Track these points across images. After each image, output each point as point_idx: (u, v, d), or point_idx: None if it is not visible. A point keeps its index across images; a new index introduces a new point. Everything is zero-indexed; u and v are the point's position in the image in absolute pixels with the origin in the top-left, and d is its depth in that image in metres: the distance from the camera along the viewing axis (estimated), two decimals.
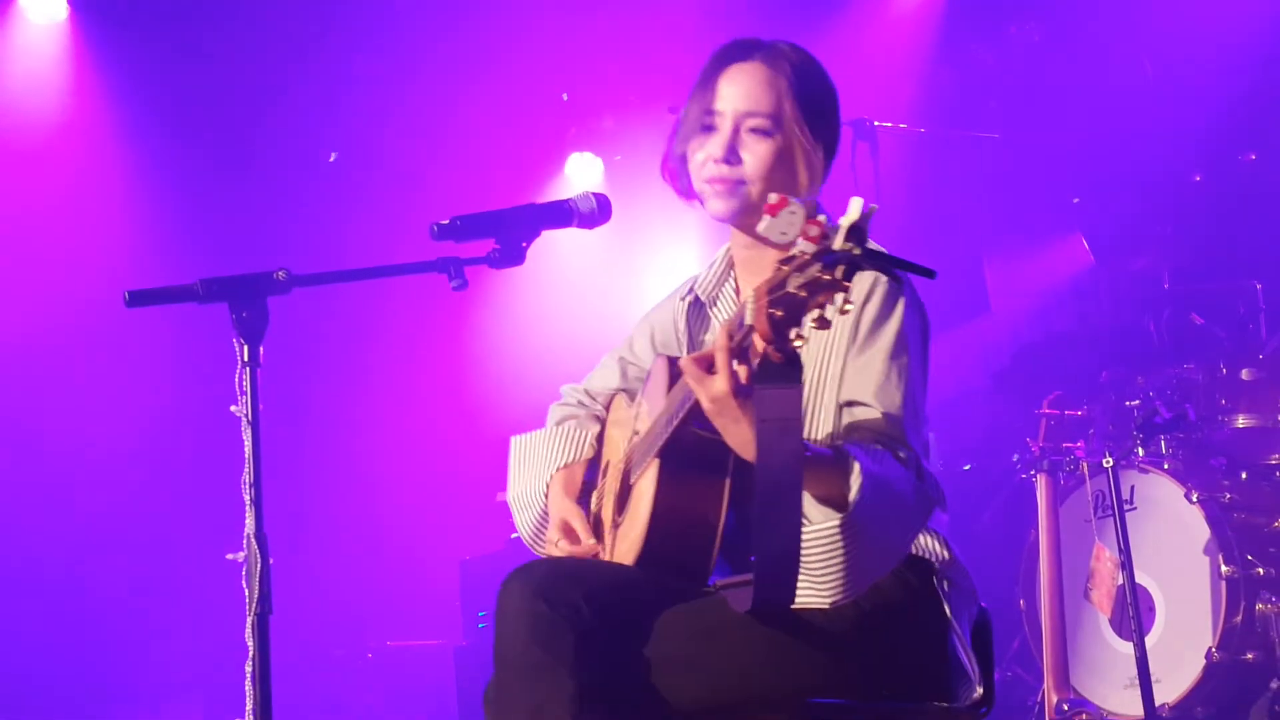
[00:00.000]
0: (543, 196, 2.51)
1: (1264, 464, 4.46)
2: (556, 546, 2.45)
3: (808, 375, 2.21)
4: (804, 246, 1.73)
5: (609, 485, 2.47)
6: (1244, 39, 5.31)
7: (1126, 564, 4.02)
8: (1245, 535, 4.23)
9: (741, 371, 1.93)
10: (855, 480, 2.00)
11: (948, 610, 2.21)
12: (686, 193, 2.38)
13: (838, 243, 1.71)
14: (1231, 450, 4.49)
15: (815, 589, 2.03)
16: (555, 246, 6.14)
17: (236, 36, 5.69)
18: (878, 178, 4.98)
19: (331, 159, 6.01)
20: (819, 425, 2.23)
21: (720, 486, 2.14)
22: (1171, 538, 4.29)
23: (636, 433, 2.41)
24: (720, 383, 1.94)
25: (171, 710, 5.64)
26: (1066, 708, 4.12)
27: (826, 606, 2.05)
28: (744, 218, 2.30)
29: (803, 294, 1.74)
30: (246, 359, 2.05)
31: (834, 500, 2.03)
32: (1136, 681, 3.98)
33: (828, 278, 1.72)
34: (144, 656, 5.57)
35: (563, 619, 2.01)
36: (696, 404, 2.03)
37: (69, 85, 5.66)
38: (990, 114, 5.78)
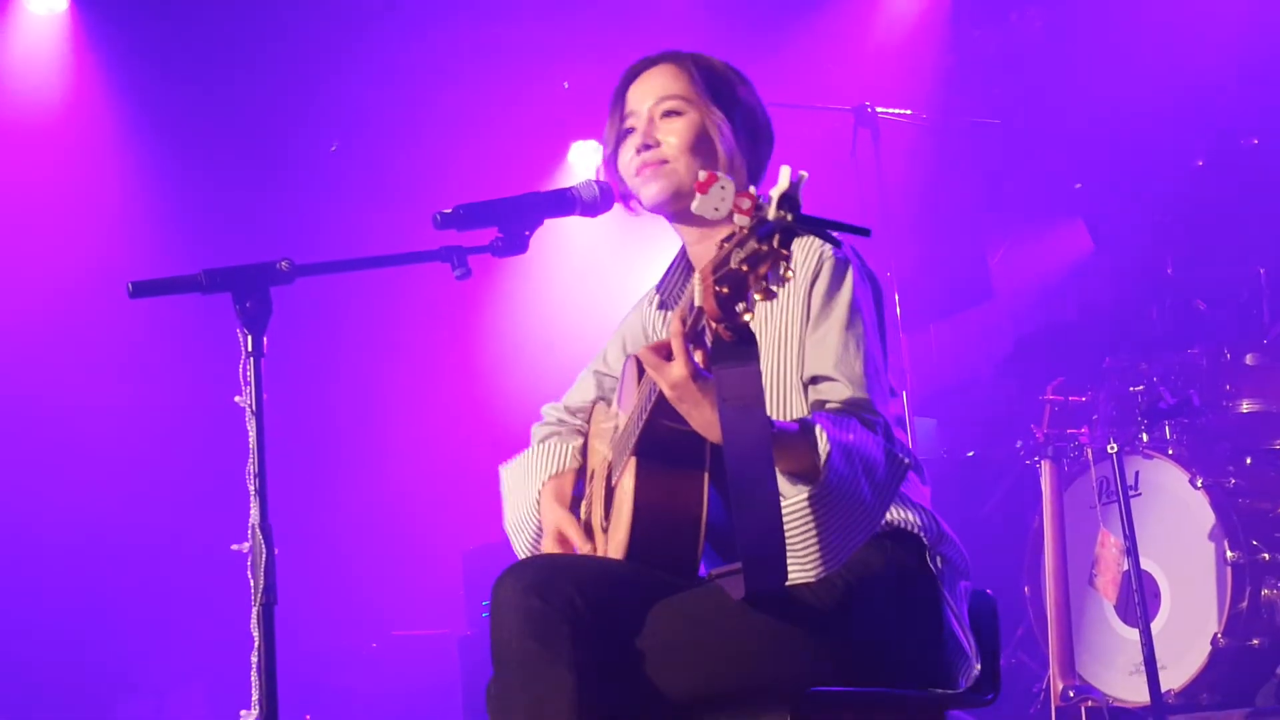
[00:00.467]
0: (546, 184, 2.51)
1: (1269, 449, 4.45)
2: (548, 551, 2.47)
3: (768, 360, 2.25)
4: (739, 220, 1.77)
5: (595, 491, 2.49)
6: (1246, 23, 5.29)
7: (1131, 550, 4.01)
8: (1250, 520, 4.22)
9: (698, 355, 1.97)
10: (823, 450, 2.03)
11: (941, 588, 2.23)
12: (625, 198, 2.45)
13: (771, 212, 1.75)
14: (1236, 435, 4.48)
15: (799, 563, 2.04)
16: (562, 234, 6.17)
17: (237, 26, 5.68)
18: (879, 164, 4.97)
19: (333, 149, 6.00)
20: (786, 407, 2.25)
21: (699, 478, 2.16)
22: (1176, 523, 4.29)
23: (615, 436, 2.43)
24: (677, 368, 1.98)
25: (177, 700, 5.66)
26: (1072, 694, 4.12)
27: (812, 580, 2.06)
28: (678, 202, 2.37)
29: (744, 268, 1.77)
30: (250, 349, 2.05)
31: (806, 473, 2.05)
32: (1142, 668, 3.98)
33: (765, 248, 1.75)
34: (149, 647, 5.58)
35: (557, 613, 2.02)
36: (661, 395, 2.07)
37: (69, 76, 5.66)
38: (992, 100, 5.77)
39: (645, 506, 2.17)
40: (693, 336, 1.98)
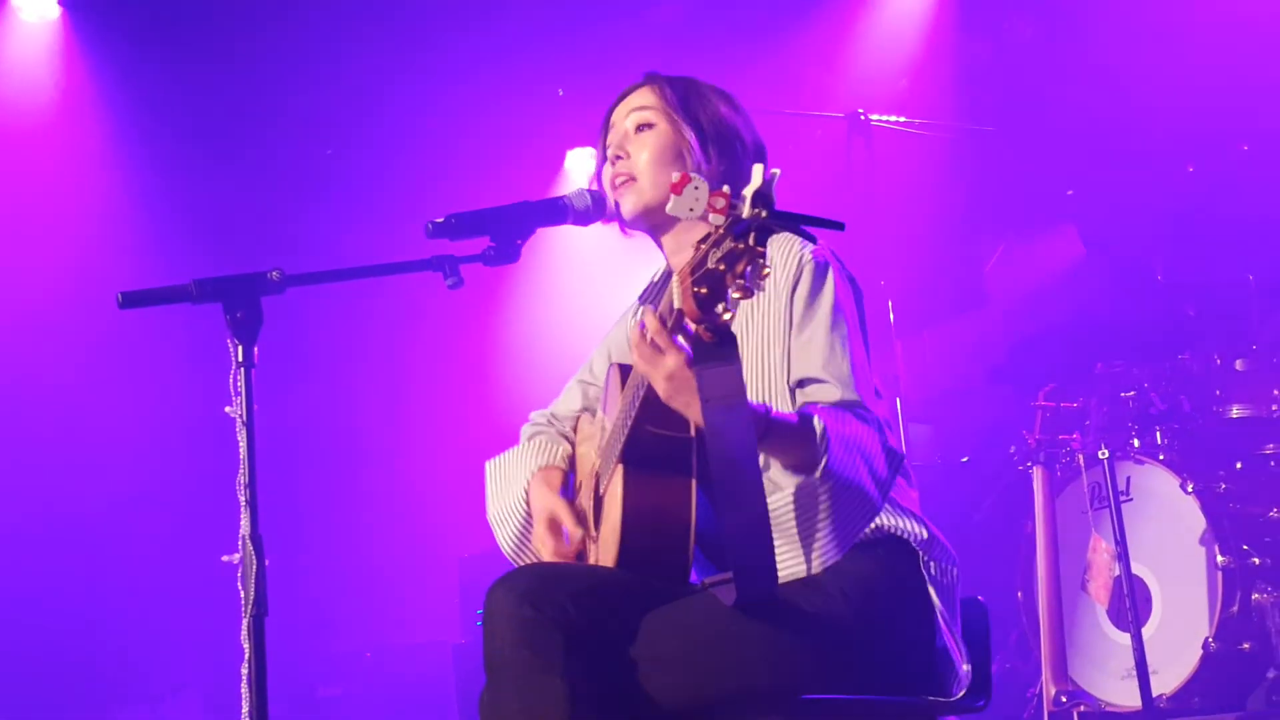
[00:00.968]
0: (544, 193, 2.52)
1: (1259, 454, 4.46)
2: (544, 544, 2.46)
3: (752, 367, 2.26)
4: (714, 219, 1.79)
5: (583, 501, 2.48)
6: (1236, 30, 5.31)
7: (1123, 555, 4.02)
8: (1241, 525, 4.23)
9: (688, 345, 1.97)
10: (821, 438, 2.05)
11: (932, 592, 2.23)
12: (616, 218, 2.48)
13: (745, 210, 1.76)
14: (1227, 440, 4.49)
15: (805, 553, 2.06)
16: (560, 242, 6.17)
17: (229, 34, 5.68)
18: (873, 171, 4.98)
19: (329, 152, 6.01)
20: None
21: (687, 484, 2.16)
22: (1168, 529, 4.30)
23: (601, 445, 2.43)
24: (669, 359, 1.98)
25: (171, 710, 5.64)
26: (1064, 699, 4.12)
27: (818, 571, 2.07)
28: (651, 217, 2.42)
29: (721, 267, 1.78)
30: (241, 359, 2.05)
31: (806, 463, 2.07)
32: (1134, 672, 3.99)
33: (742, 246, 1.76)
34: (143, 657, 5.57)
35: (550, 621, 2.02)
36: (646, 401, 2.08)
37: (61, 83, 5.65)
38: (985, 107, 5.78)
39: (634, 513, 2.17)
40: (678, 330, 1.99)
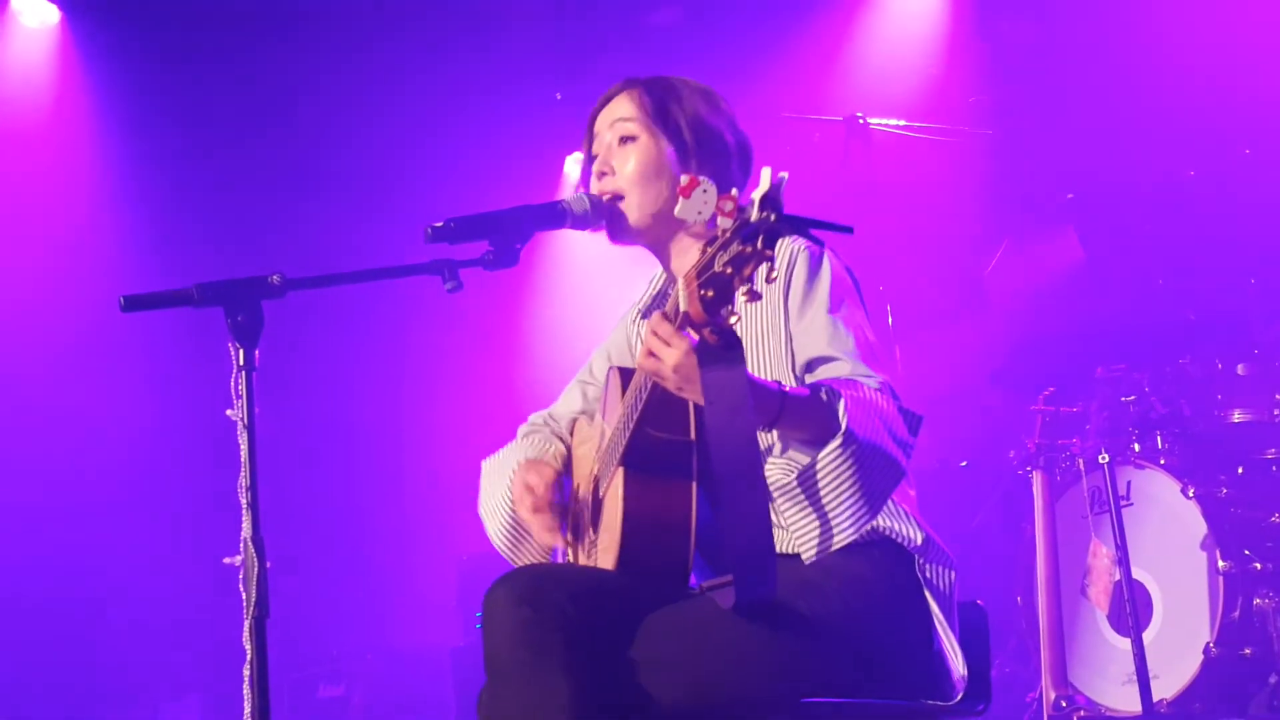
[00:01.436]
0: (543, 197, 2.52)
1: (1260, 458, 4.46)
2: (523, 502, 2.47)
3: (753, 360, 2.28)
4: (723, 223, 1.79)
5: (582, 504, 2.49)
6: (1237, 33, 5.31)
7: (1123, 560, 4.02)
8: (1242, 530, 4.23)
9: (694, 334, 1.98)
10: (838, 404, 2.06)
11: (929, 596, 2.24)
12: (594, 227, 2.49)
13: (754, 214, 1.77)
14: (1227, 445, 4.49)
15: (839, 521, 2.06)
16: (563, 244, 6.17)
17: (230, 41, 5.69)
18: (871, 175, 4.98)
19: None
20: None
21: (687, 486, 2.17)
22: (1168, 533, 4.29)
23: (600, 448, 2.44)
24: (677, 350, 1.98)
25: (172, 712, 5.65)
26: (1064, 704, 4.12)
27: (854, 537, 2.08)
28: (642, 234, 2.43)
29: (729, 270, 1.79)
30: (242, 363, 2.05)
31: (825, 434, 2.08)
32: (1135, 677, 3.98)
33: (750, 249, 1.77)
34: (144, 660, 5.57)
35: (550, 621, 2.03)
36: (649, 403, 2.09)
37: (62, 88, 5.66)
38: (984, 110, 5.78)
39: (635, 516, 2.17)
40: (683, 326, 1.99)
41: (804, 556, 2.11)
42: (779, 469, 2.19)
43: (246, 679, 1.99)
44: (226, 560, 2.02)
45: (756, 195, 1.77)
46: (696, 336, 1.94)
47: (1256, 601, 4.15)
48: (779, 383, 2.10)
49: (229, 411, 2.05)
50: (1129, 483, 4.36)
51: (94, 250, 5.58)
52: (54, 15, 5.56)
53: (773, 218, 1.75)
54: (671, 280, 2.53)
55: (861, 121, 5.01)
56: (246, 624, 1.99)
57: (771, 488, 2.13)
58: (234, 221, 5.79)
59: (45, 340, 5.48)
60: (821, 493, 2.06)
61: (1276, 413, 4.42)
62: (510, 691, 2.04)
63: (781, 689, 2.13)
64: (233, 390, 2.05)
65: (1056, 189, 5.46)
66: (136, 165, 5.74)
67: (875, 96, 5.61)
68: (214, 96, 5.77)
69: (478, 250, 2.30)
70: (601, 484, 2.36)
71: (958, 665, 2.23)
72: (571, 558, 2.53)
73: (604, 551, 2.28)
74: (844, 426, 2.05)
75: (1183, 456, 4.42)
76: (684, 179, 1.85)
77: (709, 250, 1.83)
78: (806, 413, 2.07)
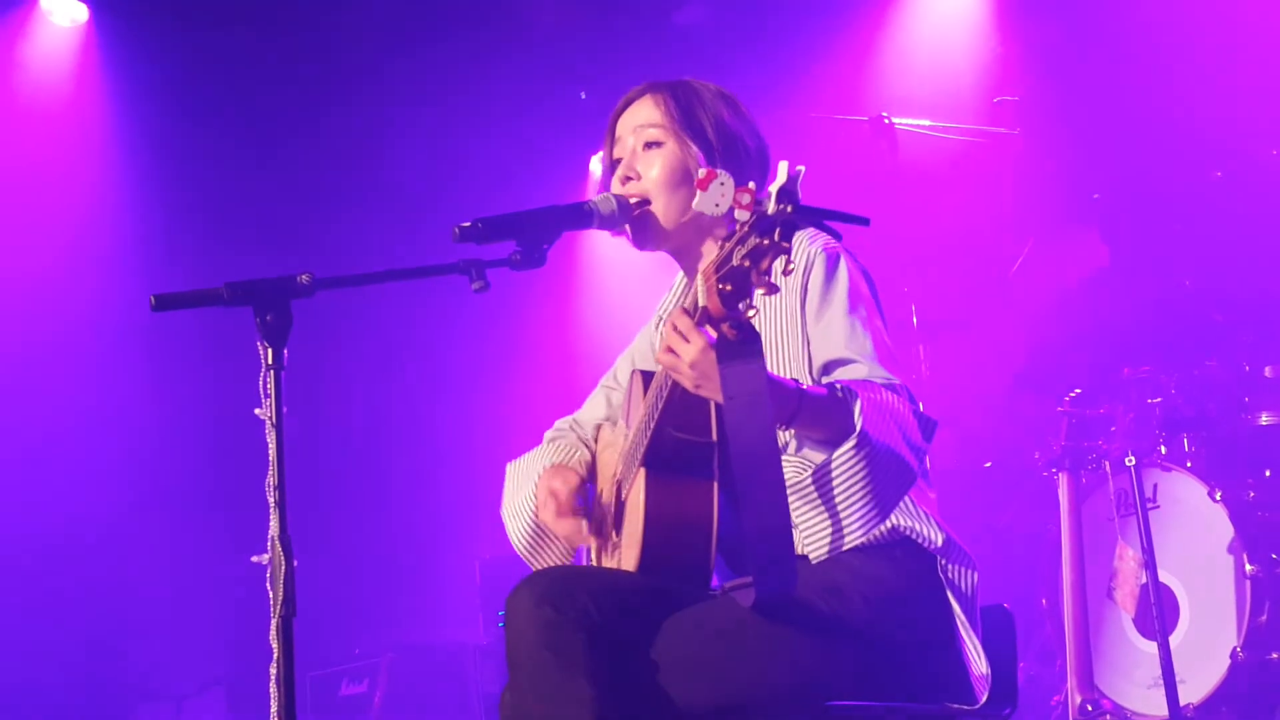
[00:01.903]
0: (569, 197, 2.53)
1: None
2: (546, 508, 2.48)
3: (774, 361, 2.27)
4: (740, 215, 1.79)
5: (605, 507, 2.49)
6: (1265, 34, 5.28)
7: (1150, 563, 3.99)
8: (1270, 533, 4.20)
9: (712, 332, 1.98)
10: (853, 406, 2.06)
11: (951, 597, 2.23)
12: (616, 231, 2.48)
13: (771, 206, 1.77)
14: (1255, 448, 4.45)
15: (850, 522, 2.07)
16: (587, 246, 6.17)
17: (259, 41, 5.71)
18: (896, 175, 4.97)
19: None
20: None
21: (709, 487, 2.17)
22: (1195, 536, 4.27)
23: (622, 451, 2.44)
24: (695, 346, 1.98)
25: (195, 708, 5.67)
26: (1090, 708, 4.10)
27: (863, 539, 2.08)
28: (669, 239, 2.43)
29: (746, 264, 1.79)
30: (270, 362, 2.06)
31: (840, 435, 2.08)
32: (1161, 681, 3.96)
33: (766, 242, 1.77)
34: (169, 656, 5.60)
35: (572, 623, 2.03)
36: (669, 403, 2.10)
37: (90, 86, 5.69)
38: (1010, 110, 5.75)
39: (657, 517, 2.17)
40: (702, 323, 1.99)
41: (812, 556, 2.11)
42: (792, 467, 2.19)
43: (273, 677, 2.00)
44: (254, 559, 2.02)
45: (773, 188, 1.78)
46: (715, 334, 1.94)
47: None
48: (796, 381, 2.10)
49: (257, 410, 2.05)
50: (1155, 485, 4.34)
51: (123, 249, 5.61)
52: (83, 13, 5.58)
53: (789, 209, 1.76)
54: (689, 281, 2.53)
55: (887, 121, 4.99)
56: (274, 623, 1.99)
57: None
58: (263, 222, 5.82)
59: (75, 339, 5.52)
60: (834, 493, 2.07)
61: None
62: (533, 692, 2.04)
63: (804, 691, 2.13)
64: (261, 389, 2.05)
65: (1082, 189, 5.43)
66: (165, 165, 5.77)
67: (900, 96, 5.60)
68: (243, 97, 5.80)
69: (505, 250, 2.30)
70: (624, 486, 2.37)
71: (980, 666, 2.22)
72: (594, 559, 2.53)
73: (626, 552, 2.28)
74: (859, 428, 2.05)
75: (1209, 459, 4.39)
76: (701, 171, 1.85)
77: (726, 245, 1.84)
78: (822, 412, 2.07)
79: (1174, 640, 4.09)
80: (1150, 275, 5.25)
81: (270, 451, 2.03)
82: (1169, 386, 4.52)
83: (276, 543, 2.00)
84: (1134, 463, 4.09)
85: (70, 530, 5.48)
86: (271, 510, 2.02)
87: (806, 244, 2.29)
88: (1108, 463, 4.32)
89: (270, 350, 2.06)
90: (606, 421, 2.65)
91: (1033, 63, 5.86)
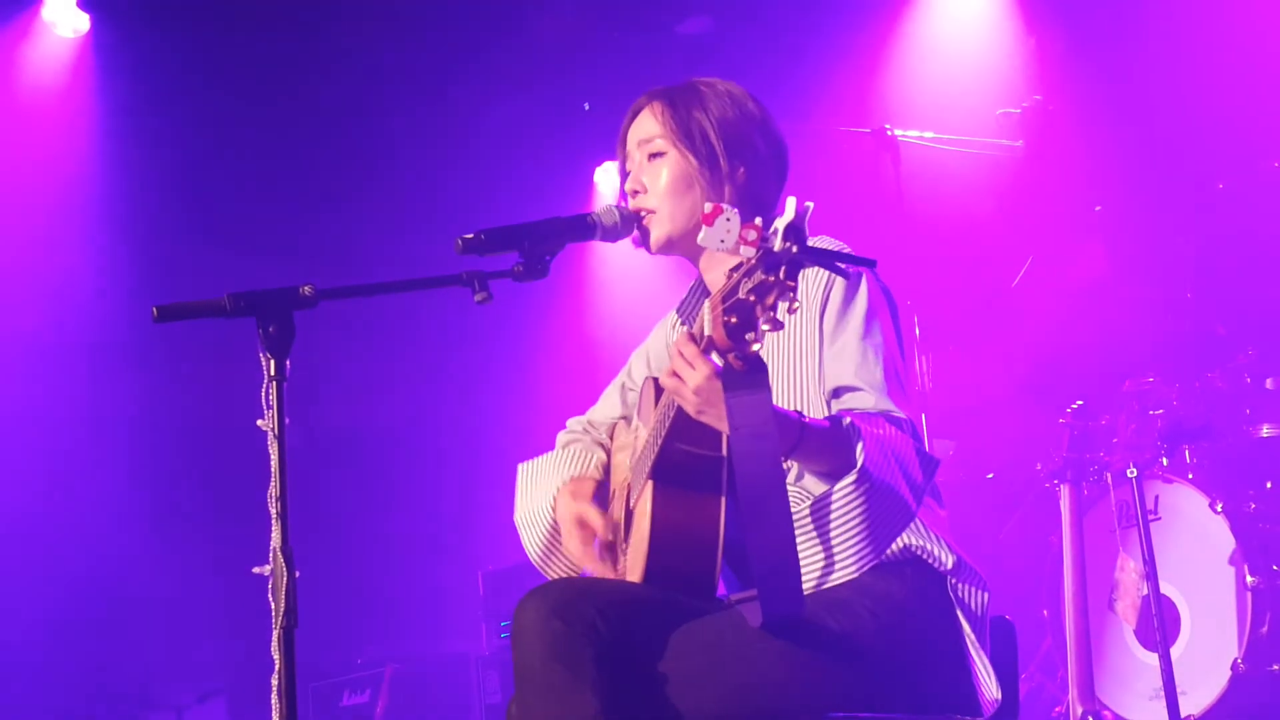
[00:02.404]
0: (574, 208, 2.54)
1: None
2: (573, 540, 2.47)
3: (785, 379, 2.28)
4: (745, 252, 1.79)
5: (615, 513, 2.49)
6: (1268, 45, 5.28)
7: (1151, 574, 3.99)
8: (1271, 545, 4.20)
9: (718, 359, 1.98)
10: (856, 442, 2.06)
11: (961, 616, 2.23)
12: (636, 241, 2.49)
13: (777, 244, 1.77)
14: (1256, 460, 4.46)
15: (844, 557, 2.07)
16: (590, 250, 6.17)
17: (262, 51, 5.72)
18: (899, 186, 4.97)
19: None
20: None
21: (715, 501, 2.17)
22: (1196, 548, 4.27)
23: (634, 456, 2.44)
24: (698, 373, 1.98)
25: (194, 717, 5.67)
26: (1091, 719, 4.09)
27: (855, 575, 2.08)
28: (677, 246, 2.43)
29: (752, 298, 1.80)
30: (273, 373, 2.06)
31: (840, 469, 2.08)
32: (1162, 693, 3.95)
33: (772, 279, 1.77)
34: (171, 665, 5.60)
35: (580, 635, 2.03)
36: (677, 418, 2.10)
37: (92, 95, 5.70)
38: (1012, 122, 5.76)
39: (663, 530, 2.18)
40: (708, 350, 2.00)
41: (805, 588, 2.10)
42: (791, 497, 2.19)
43: (275, 688, 2.00)
44: (256, 570, 2.02)
45: (780, 224, 1.77)
46: (721, 363, 1.94)
47: None
48: (799, 413, 2.10)
49: (259, 421, 2.06)
50: (1157, 497, 4.34)
51: (126, 258, 5.62)
52: (85, 23, 5.59)
53: (795, 249, 1.75)
54: (704, 286, 2.52)
55: (890, 133, 5.00)
56: (275, 634, 1.99)
57: None
58: (265, 232, 5.82)
59: (77, 348, 5.53)
60: (830, 527, 2.07)
61: None
62: (540, 705, 2.05)
63: (812, 706, 2.13)
64: (263, 400, 2.05)
65: (1085, 202, 5.44)
66: (167, 174, 5.77)
67: (904, 108, 5.61)
68: (245, 108, 5.80)
69: (508, 262, 2.30)
70: (633, 495, 2.37)
71: (990, 688, 2.22)
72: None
73: (633, 562, 2.28)
74: (860, 464, 2.05)
75: (1211, 471, 4.39)
76: (707, 207, 1.84)
77: (734, 276, 1.84)
78: (824, 445, 2.07)
79: (1175, 652, 4.09)
80: (1152, 287, 5.25)
81: (272, 462, 2.03)
82: (1171, 398, 4.53)
83: (279, 553, 2.00)
84: (1135, 474, 4.09)
85: (72, 539, 5.48)
86: (274, 521, 2.02)
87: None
88: (1109, 474, 4.32)
89: (273, 361, 2.06)
90: (623, 420, 2.65)
91: (1035, 75, 5.87)
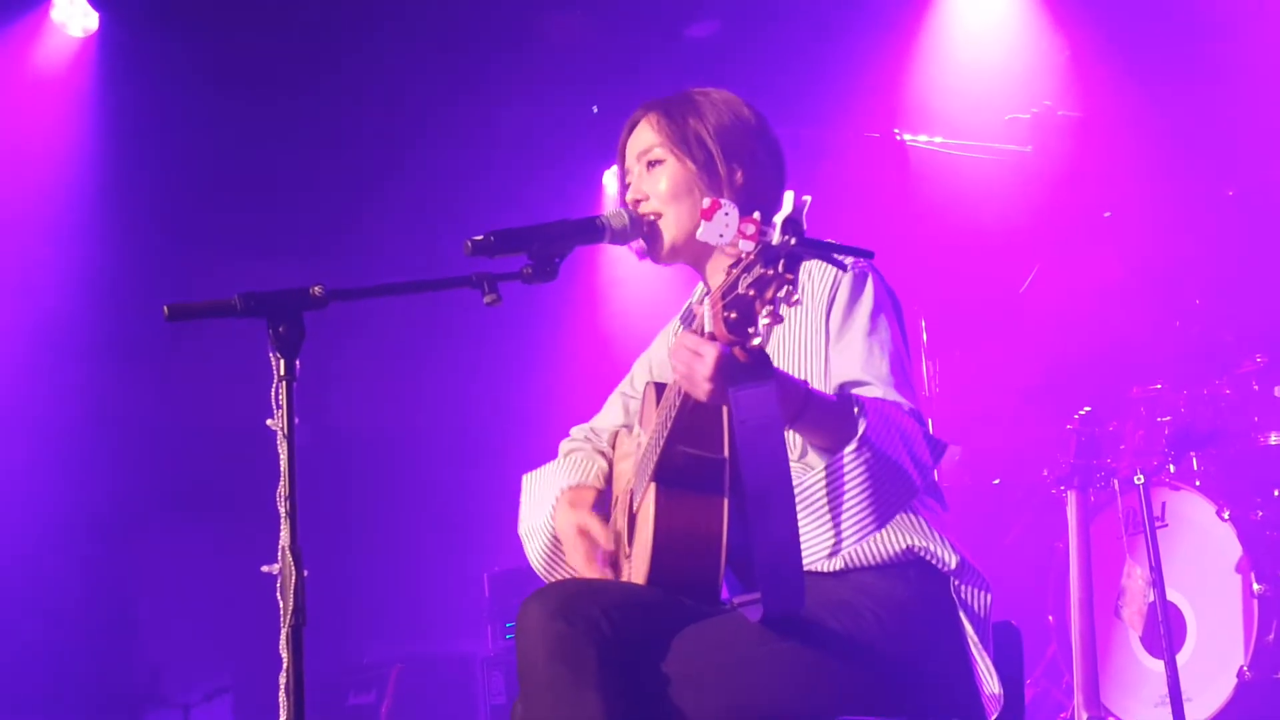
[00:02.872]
0: (581, 210, 2.55)
1: None
2: (577, 552, 2.47)
3: (795, 373, 2.28)
4: (744, 246, 1.79)
5: (618, 519, 2.50)
6: (1278, 51, 5.28)
7: (1157, 581, 3.99)
8: (1277, 553, 4.19)
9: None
10: (859, 411, 2.08)
11: (963, 617, 2.23)
12: (640, 253, 2.51)
13: (775, 237, 1.78)
14: (1264, 467, 4.45)
15: (843, 527, 2.07)
16: (596, 257, 6.17)
17: (270, 51, 5.72)
18: (907, 191, 4.97)
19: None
20: None
21: (718, 503, 2.18)
22: (1203, 555, 4.27)
23: (636, 462, 2.44)
24: (708, 358, 1.96)
25: (203, 715, 5.68)
26: None
27: (854, 544, 2.08)
28: (680, 252, 2.45)
29: (751, 293, 1.80)
30: (283, 373, 2.06)
31: (842, 439, 2.09)
32: (1167, 700, 3.95)
33: (771, 273, 1.78)
34: (178, 661, 5.61)
35: (583, 635, 2.04)
36: (679, 420, 2.10)
37: (104, 93, 5.71)
38: (1021, 128, 5.76)
39: (666, 532, 2.18)
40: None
41: (806, 563, 2.11)
42: (794, 473, 2.20)
43: (283, 687, 2.00)
44: (265, 569, 2.03)
45: (779, 218, 1.78)
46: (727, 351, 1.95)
47: None
48: (805, 380, 2.11)
49: (269, 421, 2.06)
50: (1164, 504, 4.34)
51: (137, 257, 5.63)
52: (94, 21, 5.60)
53: (793, 241, 1.76)
54: (708, 292, 2.54)
55: (899, 138, 5.00)
56: (284, 632, 2.00)
57: None
58: (275, 232, 5.83)
59: (85, 344, 5.54)
60: (830, 496, 2.07)
61: None
62: (545, 706, 2.05)
63: (814, 707, 2.13)
64: (273, 400, 2.06)
65: (1094, 207, 5.43)
66: (177, 175, 5.78)
67: (912, 113, 5.61)
68: (255, 109, 5.81)
69: (517, 264, 2.31)
70: (636, 498, 2.37)
71: (993, 686, 2.23)
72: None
73: (636, 565, 2.29)
74: (861, 432, 2.06)
75: (1218, 478, 4.39)
76: (705, 201, 1.86)
77: (733, 272, 1.85)
78: (827, 414, 2.08)
79: (1181, 659, 4.08)
80: (1160, 294, 5.24)
81: (281, 462, 2.04)
82: (1178, 405, 4.52)
83: (287, 552, 2.01)
84: (1143, 481, 4.09)
85: (79, 537, 5.49)
86: (282, 520, 2.02)
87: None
88: (1116, 481, 4.32)
89: (283, 361, 2.06)
90: (624, 428, 2.66)
91: (1043, 80, 5.86)
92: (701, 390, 1.99)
